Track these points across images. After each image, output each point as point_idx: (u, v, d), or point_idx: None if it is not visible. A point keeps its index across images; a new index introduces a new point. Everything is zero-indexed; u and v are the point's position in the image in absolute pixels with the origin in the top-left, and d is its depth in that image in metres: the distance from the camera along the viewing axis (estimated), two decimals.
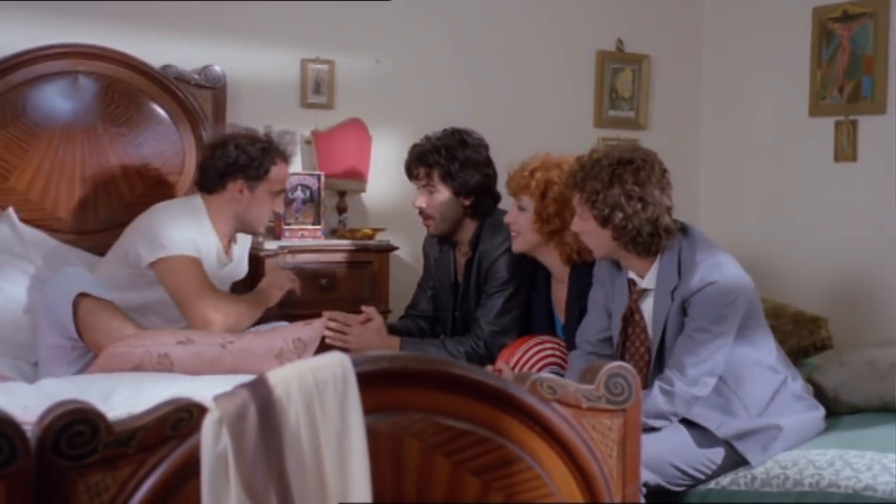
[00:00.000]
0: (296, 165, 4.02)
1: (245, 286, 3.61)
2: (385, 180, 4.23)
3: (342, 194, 4.07)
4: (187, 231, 3.17)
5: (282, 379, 1.48)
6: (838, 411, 3.10)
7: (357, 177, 4.09)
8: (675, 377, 2.70)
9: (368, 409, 1.49)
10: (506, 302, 3.40)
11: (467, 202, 3.46)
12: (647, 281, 2.87)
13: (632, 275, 2.91)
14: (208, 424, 1.42)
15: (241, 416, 1.44)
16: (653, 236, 2.79)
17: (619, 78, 4.85)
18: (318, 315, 3.20)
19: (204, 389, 2.14)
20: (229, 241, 3.39)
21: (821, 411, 2.95)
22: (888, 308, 4.24)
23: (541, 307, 3.41)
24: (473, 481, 1.61)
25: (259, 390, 1.47)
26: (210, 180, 3.28)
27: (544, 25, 4.67)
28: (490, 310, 3.40)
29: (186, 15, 3.88)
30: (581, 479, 1.70)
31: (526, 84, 4.63)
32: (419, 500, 1.59)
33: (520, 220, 3.25)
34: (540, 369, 3.10)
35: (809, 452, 2.74)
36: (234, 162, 3.24)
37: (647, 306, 2.88)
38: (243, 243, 3.50)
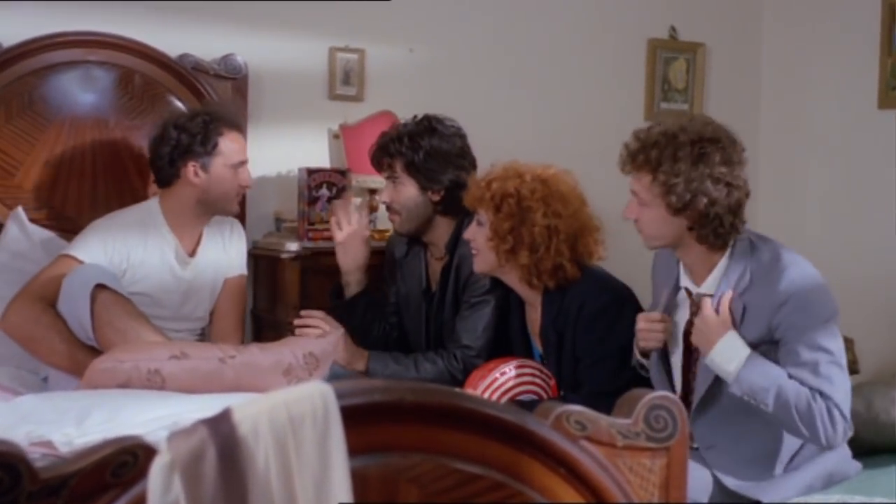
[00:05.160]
0: (322, 160, 3.90)
1: (267, 294, 3.40)
2: None
3: (372, 192, 3.87)
4: (105, 235, 3.06)
5: (249, 414, 1.29)
6: (854, 450, 2.71)
7: None
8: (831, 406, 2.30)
9: (355, 450, 1.30)
10: (494, 311, 3.09)
11: (436, 198, 3.19)
12: (707, 286, 2.48)
13: (686, 282, 2.54)
14: (157, 469, 1.23)
15: (197, 458, 1.25)
16: (733, 226, 2.46)
17: (672, 68, 4.67)
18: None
19: (196, 411, 1.97)
20: (198, 237, 3.25)
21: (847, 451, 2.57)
22: None
23: (518, 331, 3.09)
24: None
25: (220, 428, 1.27)
26: (163, 172, 3.18)
27: (591, 11, 4.48)
28: (476, 322, 3.07)
29: (205, 0, 3.71)
30: None
31: (571, 74, 4.43)
32: None
33: (478, 236, 2.93)
34: (513, 398, 2.77)
35: (810, 498, 2.42)
36: (177, 144, 3.13)
37: (681, 316, 2.54)
38: (215, 242, 3.30)
